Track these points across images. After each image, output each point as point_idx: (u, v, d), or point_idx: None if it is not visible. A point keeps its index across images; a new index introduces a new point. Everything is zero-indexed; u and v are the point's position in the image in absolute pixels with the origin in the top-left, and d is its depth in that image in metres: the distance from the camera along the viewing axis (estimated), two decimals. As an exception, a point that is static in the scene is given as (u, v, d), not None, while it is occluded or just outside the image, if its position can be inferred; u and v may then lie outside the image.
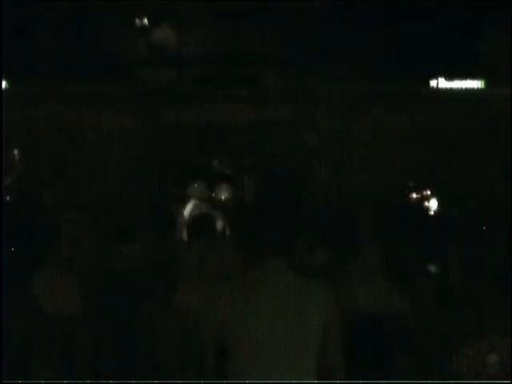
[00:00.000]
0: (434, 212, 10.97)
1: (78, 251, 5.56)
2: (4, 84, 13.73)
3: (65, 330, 4.30)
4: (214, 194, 9.96)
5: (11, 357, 3.54)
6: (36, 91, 13.65)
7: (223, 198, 9.97)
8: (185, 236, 6.97)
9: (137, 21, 13.79)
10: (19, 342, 3.76)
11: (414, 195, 11.74)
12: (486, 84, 13.93)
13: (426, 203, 11.31)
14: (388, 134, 13.71)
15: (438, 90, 13.98)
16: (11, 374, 3.48)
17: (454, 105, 13.65)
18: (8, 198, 9.91)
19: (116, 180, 12.84)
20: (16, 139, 13.19)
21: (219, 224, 7.82)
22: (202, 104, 14.07)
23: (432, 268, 5.56)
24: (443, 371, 3.88)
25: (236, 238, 6.75)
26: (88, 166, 13.05)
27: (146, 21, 13.83)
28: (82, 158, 13.32)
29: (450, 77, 13.99)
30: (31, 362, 3.69)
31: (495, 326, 3.85)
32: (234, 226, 9.03)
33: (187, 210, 9.71)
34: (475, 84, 13.96)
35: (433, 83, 14.03)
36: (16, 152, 13.37)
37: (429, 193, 11.62)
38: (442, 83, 14.03)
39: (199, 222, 5.97)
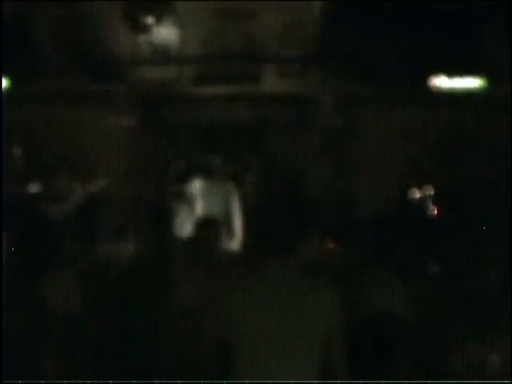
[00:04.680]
0: (434, 212, 10.96)
1: (78, 250, 5.56)
2: (4, 84, 13.72)
3: (64, 330, 4.29)
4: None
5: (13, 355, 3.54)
6: (36, 91, 13.64)
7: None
8: (188, 235, 6.98)
9: (137, 20, 13.78)
10: (19, 342, 3.76)
11: (414, 195, 11.73)
12: (486, 84, 13.92)
13: (426, 203, 11.30)
14: (388, 134, 13.71)
15: (438, 90, 13.97)
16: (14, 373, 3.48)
17: (454, 105, 13.64)
18: (8, 198, 9.91)
19: (116, 180, 12.83)
20: (16, 139, 13.19)
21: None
22: (202, 104, 14.07)
23: (432, 268, 5.56)
24: (443, 371, 3.88)
25: (240, 238, 6.76)
26: (88, 166, 13.05)
27: (146, 20, 13.83)
28: (82, 158, 13.31)
29: (450, 76, 13.98)
30: (32, 361, 3.69)
31: (495, 326, 3.85)
32: (237, 225, 9.07)
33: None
34: (476, 83, 13.95)
35: (433, 83, 14.02)
36: (16, 152, 13.37)
37: (429, 193, 11.61)
38: (442, 83, 14.02)
39: (204, 222, 5.98)
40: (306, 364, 3.39)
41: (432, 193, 11.58)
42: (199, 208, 9.86)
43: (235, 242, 8.81)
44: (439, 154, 13.33)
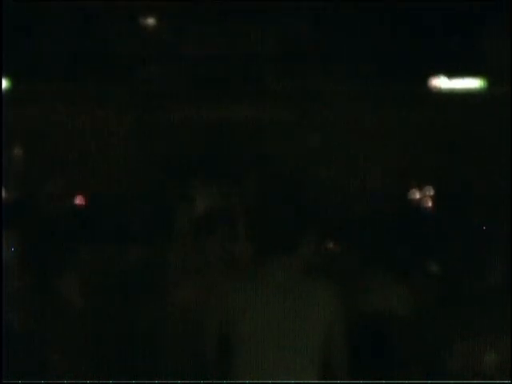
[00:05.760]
0: (434, 212, 10.96)
1: (79, 250, 5.55)
2: (4, 84, 13.72)
3: (64, 330, 4.30)
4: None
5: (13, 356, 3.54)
6: (36, 91, 13.65)
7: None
8: (189, 234, 6.97)
9: (137, 20, 13.79)
10: (19, 342, 3.76)
11: (414, 195, 11.73)
12: (486, 83, 13.92)
13: (426, 203, 11.31)
14: (388, 134, 13.71)
15: (438, 90, 13.97)
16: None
17: (454, 105, 13.64)
18: (8, 198, 9.91)
19: (116, 179, 12.83)
20: (16, 139, 13.20)
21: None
22: (202, 104, 14.07)
23: (432, 268, 5.56)
24: (443, 371, 3.88)
25: (240, 237, 6.75)
26: (88, 166, 13.06)
27: (146, 20, 13.84)
28: (82, 158, 13.32)
29: (450, 76, 13.98)
30: (31, 361, 3.69)
31: (495, 326, 3.85)
32: (237, 225, 9.05)
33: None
34: (476, 83, 13.96)
35: (433, 83, 14.02)
36: (16, 152, 13.38)
37: (429, 193, 11.62)
38: (442, 83, 14.02)
39: (204, 221, 5.97)
40: (306, 364, 3.39)
41: (432, 193, 11.58)
42: (199, 208, 9.84)
43: (235, 242, 8.80)
44: (439, 154, 13.34)
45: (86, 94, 13.73)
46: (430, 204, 11.29)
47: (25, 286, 4.20)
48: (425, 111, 13.65)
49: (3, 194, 10.23)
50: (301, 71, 14.17)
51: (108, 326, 4.95)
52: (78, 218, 6.94)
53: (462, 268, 4.36)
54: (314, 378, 3.41)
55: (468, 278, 4.25)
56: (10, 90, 13.55)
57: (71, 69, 13.80)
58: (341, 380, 3.46)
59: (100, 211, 7.44)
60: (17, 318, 3.93)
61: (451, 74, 13.91)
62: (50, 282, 4.23)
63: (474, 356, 3.81)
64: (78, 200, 10.80)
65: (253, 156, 13.83)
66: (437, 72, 13.91)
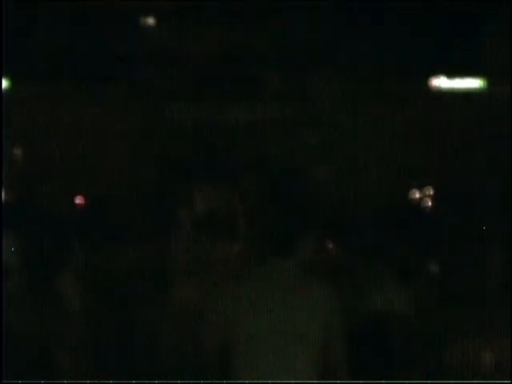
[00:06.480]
0: (434, 212, 10.96)
1: (78, 250, 5.55)
2: (4, 84, 13.73)
3: (64, 330, 4.30)
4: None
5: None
6: (36, 91, 13.65)
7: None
8: (189, 234, 6.97)
9: (137, 20, 13.80)
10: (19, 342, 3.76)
11: (414, 195, 11.74)
12: (486, 84, 13.93)
13: (426, 203, 11.31)
14: (388, 134, 13.71)
15: (438, 90, 13.98)
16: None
17: (454, 105, 13.65)
18: (8, 198, 9.91)
19: (116, 179, 12.83)
20: (16, 139, 13.20)
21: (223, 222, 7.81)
22: (202, 104, 14.08)
23: (432, 268, 5.56)
24: (443, 371, 3.88)
25: (239, 237, 6.74)
26: (88, 166, 13.07)
27: (146, 20, 13.85)
28: (83, 158, 13.33)
29: (450, 76, 13.99)
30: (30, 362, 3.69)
31: (495, 326, 3.85)
32: (237, 225, 9.05)
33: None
34: (476, 83, 13.97)
35: (433, 82, 14.03)
36: (16, 152, 13.39)
37: (429, 192, 11.63)
38: (442, 82, 14.03)
39: (204, 221, 5.98)
40: (305, 364, 3.39)
41: (432, 193, 11.59)
42: (199, 208, 9.84)
43: (235, 242, 8.80)
44: (439, 154, 13.34)
45: (86, 93, 13.74)
46: (429, 204, 11.30)
47: (25, 286, 4.20)
48: (424, 111, 13.65)
49: (3, 193, 10.23)
50: (301, 71, 14.17)
51: (108, 325, 4.95)
52: (77, 218, 6.93)
53: (462, 268, 4.36)
54: (313, 378, 3.41)
55: (468, 277, 4.25)
56: (10, 90, 13.54)
57: (71, 69, 13.81)
58: (341, 380, 3.45)
59: (100, 211, 7.44)
60: (17, 318, 3.93)
61: (451, 73, 13.91)
62: (49, 281, 4.23)
63: (474, 356, 3.81)
64: (78, 200, 10.80)
65: (252, 156, 13.83)
66: (437, 72, 13.91)
